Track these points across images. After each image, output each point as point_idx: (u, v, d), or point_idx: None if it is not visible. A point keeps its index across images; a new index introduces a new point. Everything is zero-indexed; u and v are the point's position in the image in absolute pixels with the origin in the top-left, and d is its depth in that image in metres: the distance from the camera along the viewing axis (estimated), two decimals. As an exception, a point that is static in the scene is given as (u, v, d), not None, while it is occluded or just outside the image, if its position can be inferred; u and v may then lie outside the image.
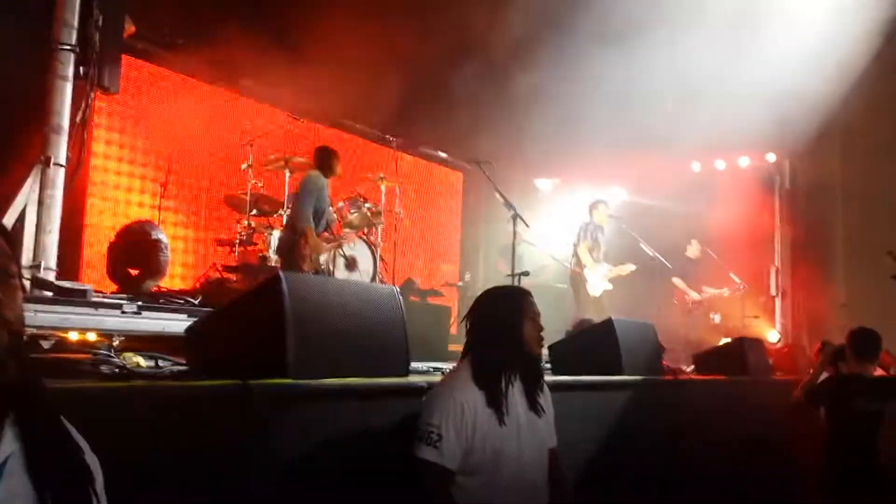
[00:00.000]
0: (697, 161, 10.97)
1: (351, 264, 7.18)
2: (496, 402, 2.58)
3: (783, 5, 7.80)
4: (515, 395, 2.69)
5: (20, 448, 1.18)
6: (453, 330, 7.69)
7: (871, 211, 10.01)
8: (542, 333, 2.82)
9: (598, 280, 8.46)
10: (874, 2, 7.82)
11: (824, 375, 5.16)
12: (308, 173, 7.01)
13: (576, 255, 8.59)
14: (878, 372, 8.36)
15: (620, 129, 8.78)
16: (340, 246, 7.12)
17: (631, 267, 8.64)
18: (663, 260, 8.73)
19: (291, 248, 6.67)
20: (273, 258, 7.20)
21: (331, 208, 7.16)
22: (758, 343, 6.88)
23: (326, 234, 7.18)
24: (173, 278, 7.69)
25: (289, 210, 7.29)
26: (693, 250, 9.68)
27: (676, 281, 9.56)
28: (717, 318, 9.48)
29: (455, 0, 7.58)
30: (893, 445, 4.42)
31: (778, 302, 10.33)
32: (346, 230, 7.55)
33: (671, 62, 8.20)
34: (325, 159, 7.04)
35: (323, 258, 6.85)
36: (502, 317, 2.77)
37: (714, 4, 7.51)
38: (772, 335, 9.68)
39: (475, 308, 2.86)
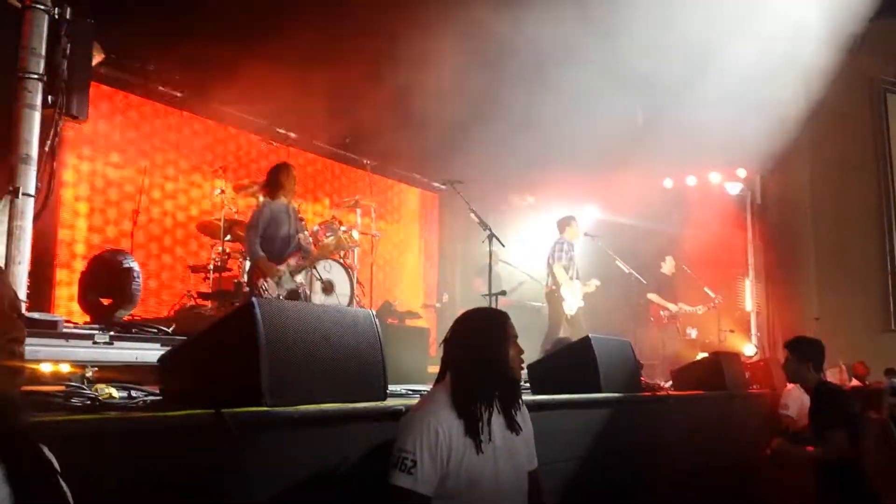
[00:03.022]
0: (669, 178, 11.10)
1: (328, 288, 7.11)
2: (474, 429, 2.54)
3: (749, 19, 7.90)
4: (493, 416, 2.65)
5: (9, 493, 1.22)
6: (432, 352, 7.67)
7: (842, 225, 10.17)
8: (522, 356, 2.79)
9: (574, 298, 8.41)
10: (837, 17, 7.96)
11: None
12: (257, 204, 6.83)
13: (552, 273, 8.50)
14: (855, 382, 8.44)
15: (593, 147, 8.84)
16: (300, 270, 6.86)
17: (595, 283, 8.60)
18: (639, 276, 8.76)
19: (250, 280, 6.64)
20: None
21: (305, 233, 7.04)
22: (734, 357, 6.92)
23: (292, 259, 6.74)
24: (147, 306, 7.60)
25: None
26: (668, 266, 9.74)
27: (652, 296, 9.59)
28: (693, 333, 9.54)
29: (427, 23, 7.59)
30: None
31: (753, 316, 10.41)
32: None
33: (642, 76, 8.26)
34: (270, 182, 6.80)
35: (300, 279, 6.76)
36: (485, 341, 2.70)
37: (682, 17, 7.57)
38: (748, 349, 9.75)
39: (455, 331, 2.79)
